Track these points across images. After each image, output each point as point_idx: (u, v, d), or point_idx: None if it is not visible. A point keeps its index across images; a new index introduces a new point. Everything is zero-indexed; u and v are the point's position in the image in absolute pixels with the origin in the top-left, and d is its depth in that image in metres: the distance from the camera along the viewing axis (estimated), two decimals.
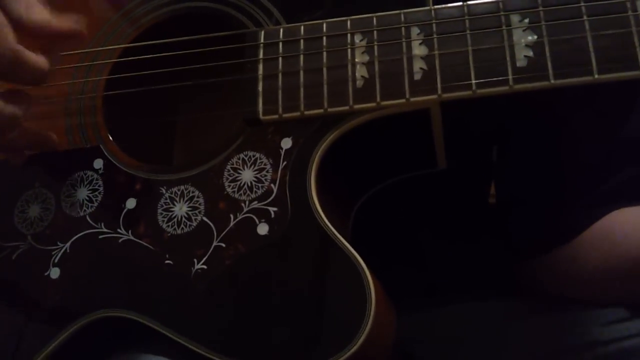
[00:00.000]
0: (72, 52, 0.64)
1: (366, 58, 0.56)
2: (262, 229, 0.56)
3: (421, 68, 0.55)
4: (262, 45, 0.59)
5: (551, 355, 0.64)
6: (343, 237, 0.54)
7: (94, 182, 0.61)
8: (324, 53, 0.57)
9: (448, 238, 0.75)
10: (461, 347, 0.69)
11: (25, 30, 0.55)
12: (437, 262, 0.75)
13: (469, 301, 0.71)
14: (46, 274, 0.59)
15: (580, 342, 0.63)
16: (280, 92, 0.57)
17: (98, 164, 0.62)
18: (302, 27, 0.58)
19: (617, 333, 0.62)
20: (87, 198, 0.61)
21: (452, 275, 0.74)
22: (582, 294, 0.66)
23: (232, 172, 0.58)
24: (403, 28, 0.56)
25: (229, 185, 0.58)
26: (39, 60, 0.55)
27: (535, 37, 0.53)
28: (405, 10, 0.56)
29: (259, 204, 0.56)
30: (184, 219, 0.58)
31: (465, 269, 0.73)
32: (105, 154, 0.62)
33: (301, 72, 0.57)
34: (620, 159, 0.64)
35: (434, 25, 0.55)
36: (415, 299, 0.70)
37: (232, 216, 0.56)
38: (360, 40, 0.57)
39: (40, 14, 0.55)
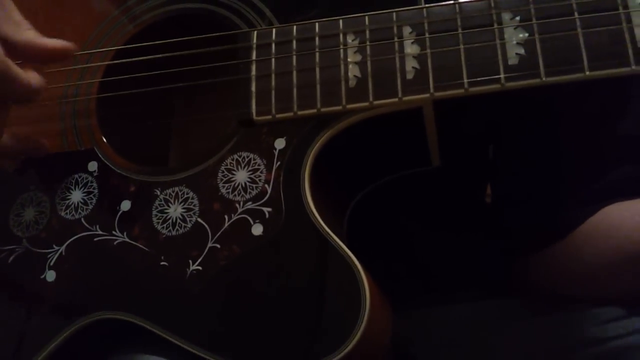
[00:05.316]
0: None
1: (359, 57, 0.56)
2: (257, 229, 0.56)
3: (413, 67, 0.55)
4: (254, 46, 0.59)
5: (548, 354, 0.64)
6: (338, 236, 0.54)
7: (89, 184, 0.61)
8: (317, 53, 0.57)
9: (444, 237, 0.75)
10: (457, 347, 0.69)
11: (14, 50, 0.53)
12: (433, 261, 0.75)
13: (464, 300, 0.71)
14: (42, 277, 0.60)
15: (576, 341, 0.63)
16: (273, 92, 0.57)
17: (92, 166, 0.62)
18: (295, 28, 0.58)
19: (613, 332, 0.62)
20: (82, 201, 0.61)
21: (448, 274, 0.74)
22: (577, 291, 0.66)
23: (226, 173, 0.58)
24: (395, 27, 0.56)
25: (223, 186, 0.58)
26: (30, 76, 0.53)
27: (527, 34, 0.53)
28: (397, 10, 0.56)
29: (254, 205, 0.56)
30: (178, 220, 0.58)
31: (461, 267, 0.74)
32: (100, 156, 0.62)
33: (294, 73, 0.57)
34: (616, 156, 0.64)
35: (425, 24, 0.55)
36: (411, 298, 0.70)
37: (226, 217, 0.57)
38: (353, 40, 0.57)
39: (29, 32, 0.53)
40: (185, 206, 0.58)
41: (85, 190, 0.61)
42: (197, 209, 0.58)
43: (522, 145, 0.69)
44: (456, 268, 0.74)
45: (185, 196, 0.58)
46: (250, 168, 0.57)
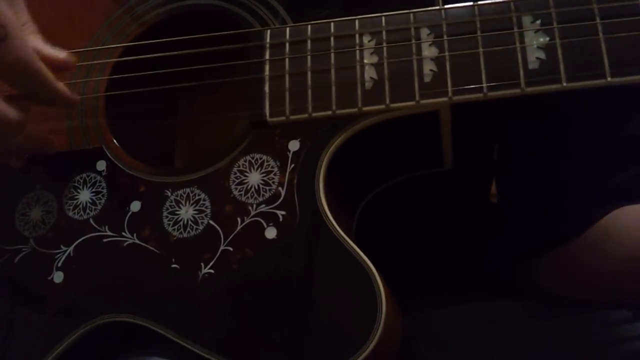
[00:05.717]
0: (72, 51, 0.63)
1: (375, 59, 0.55)
2: (270, 232, 0.55)
3: (431, 70, 0.54)
4: (268, 45, 0.58)
5: (556, 356, 0.64)
6: (350, 238, 0.53)
7: (97, 184, 0.60)
8: (332, 54, 0.56)
9: (451, 237, 0.75)
10: (464, 348, 0.69)
11: None
12: (440, 261, 0.74)
13: (472, 301, 0.71)
14: (50, 278, 0.59)
15: (587, 343, 0.63)
16: (287, 93, 0.56)
17: (101, 165, 0.61)
18: (309, 27, 0.57)
19: (624, 334, 0.62)
20: (90, 200, 0.60)
21: (455, 274, 0.74)
22: (584, 294, 0.66)
23: (238, 174, 0.57)
24: (413, 28, 0.55)
25: (236, 188, 0.57)
26: (59, 82, 0.52)
27: (547, 38, 0.52)
28: (415, 10, 0.55)
29: (267, 208, 0.55)
30: (190, 222, 0.57)
31: (468, 268, 0.73)
32: (109, 155, 0.61)
33: (308, 73, 0.56)
34: (624, 157, 0.64)
35: (444, 26, 0.54)
36: (418, 298, 0.69)
37: (239, 220, 0.56)
38: (369, 41, 0.56)
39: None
40: (196, 208, 0.57)
41: (94, 190, 0.60)
42: (209, 210, 0.57)
43: (529, 145, 0.69)
44: (463, 269, 0.74)
45: (197, 197, 0.57)
46: (263, 170, 0.57)
